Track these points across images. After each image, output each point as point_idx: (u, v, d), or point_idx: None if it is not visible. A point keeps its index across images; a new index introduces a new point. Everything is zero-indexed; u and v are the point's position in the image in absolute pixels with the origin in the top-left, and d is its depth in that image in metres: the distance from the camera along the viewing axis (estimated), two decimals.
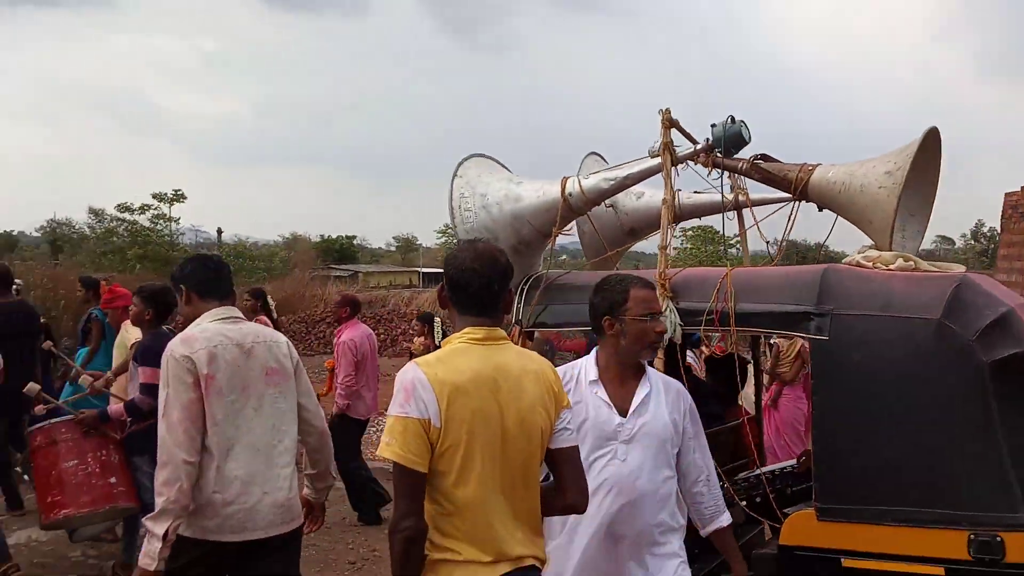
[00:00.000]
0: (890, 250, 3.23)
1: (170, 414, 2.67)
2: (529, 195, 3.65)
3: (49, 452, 4.24)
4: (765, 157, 3.61)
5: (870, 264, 3.19)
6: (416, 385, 2.05)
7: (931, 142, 3.37)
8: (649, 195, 3.95)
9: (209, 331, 2.82)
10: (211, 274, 3.01)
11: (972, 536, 2.73)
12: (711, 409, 3.89)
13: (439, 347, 4.43)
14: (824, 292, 3.06)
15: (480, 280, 2.19)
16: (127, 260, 23.84)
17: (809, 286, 3.10)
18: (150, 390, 3.75)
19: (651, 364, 3.06)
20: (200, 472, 2.68)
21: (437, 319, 7.67)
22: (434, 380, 2.05)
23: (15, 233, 42.70)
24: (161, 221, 28.02)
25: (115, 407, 4.32)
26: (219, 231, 30.48)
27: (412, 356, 8.13)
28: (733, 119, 3.39)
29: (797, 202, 3.58)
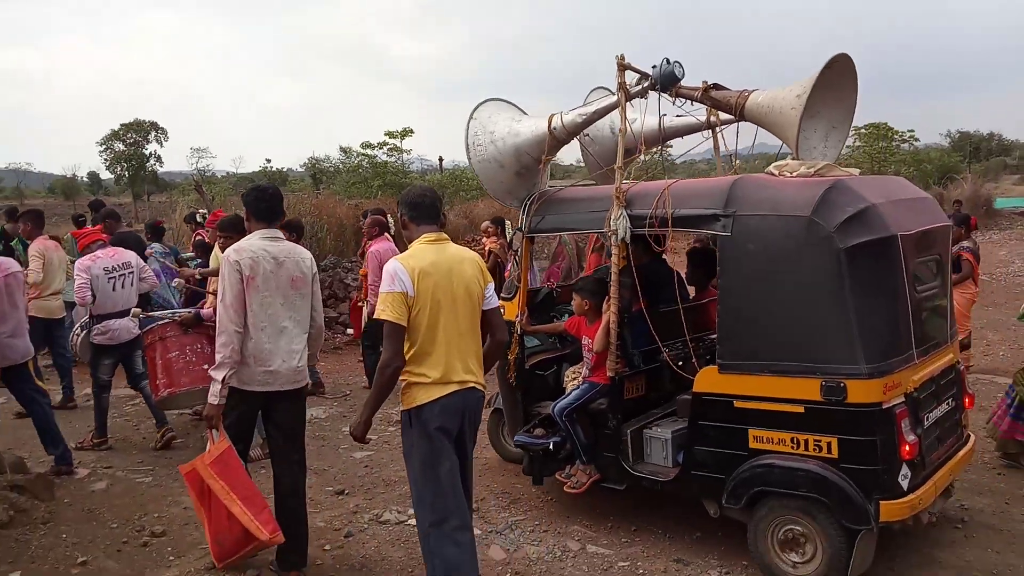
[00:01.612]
0: (798, 159, 3.93)
1: (225, 298, 3.72)
2: (526, 130, 4.63)
3: (158, 346, 5.44)
4: (716, 86, 4.34)
5: (777, 173, 3.93)
6: (397, 271, 3.25)
7: (843, 66, 3.97)
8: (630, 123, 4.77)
9: (255, 245, 3.81)
10: (264, 203, 3.94)
11: (823, 382, 3.55)
12: (682, 292, 4.81)
13: (510, 244, 5.46)
14: (731, 198, 3.86)
15: (428, 201, 3.42)
16: (370, 188, 27.23)
17: (721, 193, 3.91)
18: None
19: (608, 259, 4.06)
20: (242, 342, 3.73)
21: (507, 221, 8.67)
22: (408, 267, 3.24)
23: (285, 170, 49.81)
24: (395, 153, 32.09)
25: (207, 310, 5.55)
26: (440, 160, 33.73)
27: (491, 254, 9.20)
28: (668, 60, 4.15)
29: (737, 121, 4.31)
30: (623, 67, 4.23)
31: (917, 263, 3.79)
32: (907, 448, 3.55)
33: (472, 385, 3.36)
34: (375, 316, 3.37)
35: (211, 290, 6.15)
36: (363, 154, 31.91)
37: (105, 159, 52.52)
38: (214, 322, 4.45)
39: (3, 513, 4.48)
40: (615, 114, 4.47)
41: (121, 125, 52.23)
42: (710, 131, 4.80)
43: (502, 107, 4.86)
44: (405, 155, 32.65)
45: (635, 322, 4.53)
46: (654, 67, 4.21)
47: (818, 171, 3.86)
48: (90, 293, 5.80)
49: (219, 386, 3.71)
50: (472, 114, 4.80)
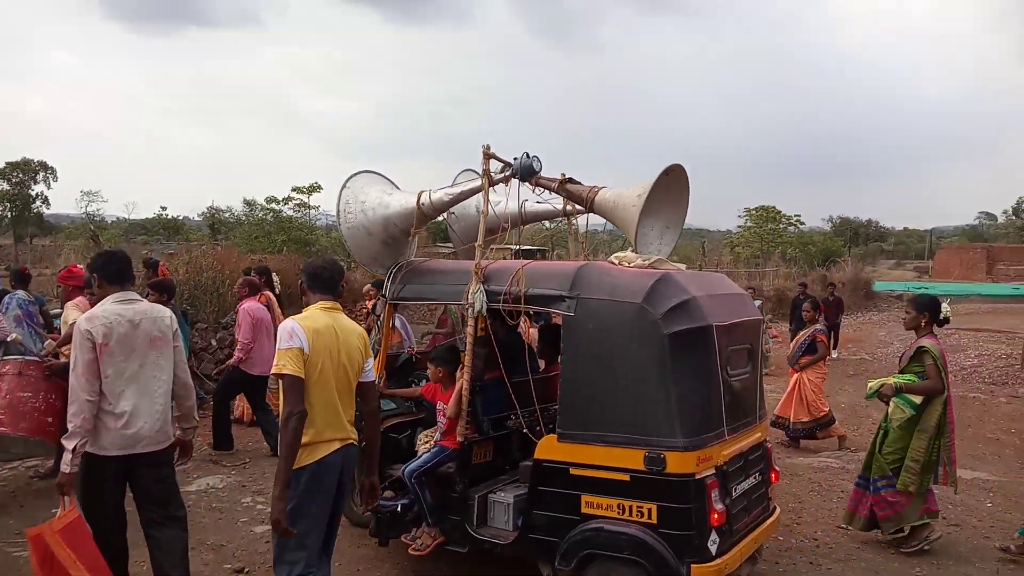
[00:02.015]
0: (636, 252, 4.43)
1: (77, 368, 3.73)
2: (395, 203, 4.92)
3: (11, 379, 5.12)
4: (571, 180, 4.82)
5: (617, 262, 4.40)
6: (295, 329, 3.49)
7: (678, 175, 4.55)
8: (492, 205, 5.17)
9: (109, 311, 3.84)
10: (115, 265, 3.99)
11: (646, 453, 3.95)
12: (532, 364, 5.16)
13: (373, 309, 5.69)
14: (576, 282, 4.28)
15: (327, 274, 3.75)
16: (274, 243, 26.86)
17: (567, 277, 4.32)
18: None
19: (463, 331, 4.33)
20: (100, 408, 3.74)
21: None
22: (304, 327, 3.51)
23: (181, 218, 47.30)
24: (302, 209, 32.01)
25: (58, 362, 5.31)
26: None
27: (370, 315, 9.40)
28: (528, 155, 4.61)
29: (588, 212, 4.80)
30: (488, 156, 4.64)
31: (730, 350, 4.32)
32: (716, 516, 3.98)
33: (350, 442, 3.65)
34: (273, 371, 3.51)
35: (65, 353, 5.96)
36: (268, 208, 31.75)
37: None
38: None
39: None
40: (481, 195, 4.85)
41: (7, 163, 49.27)
42: (565, 218, 5.27)
43: (375, 179, 5.14)
44: (312, 211, 32.85)
45: (487, 390, 4.81)
46: (515, 159, 4.64)
47: (651, 264, 4.36)
48: None
49: (70, 455, 3.67)
50: (345, 183, 5.04)
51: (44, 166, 50.06)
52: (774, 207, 39.60)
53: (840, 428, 8.86)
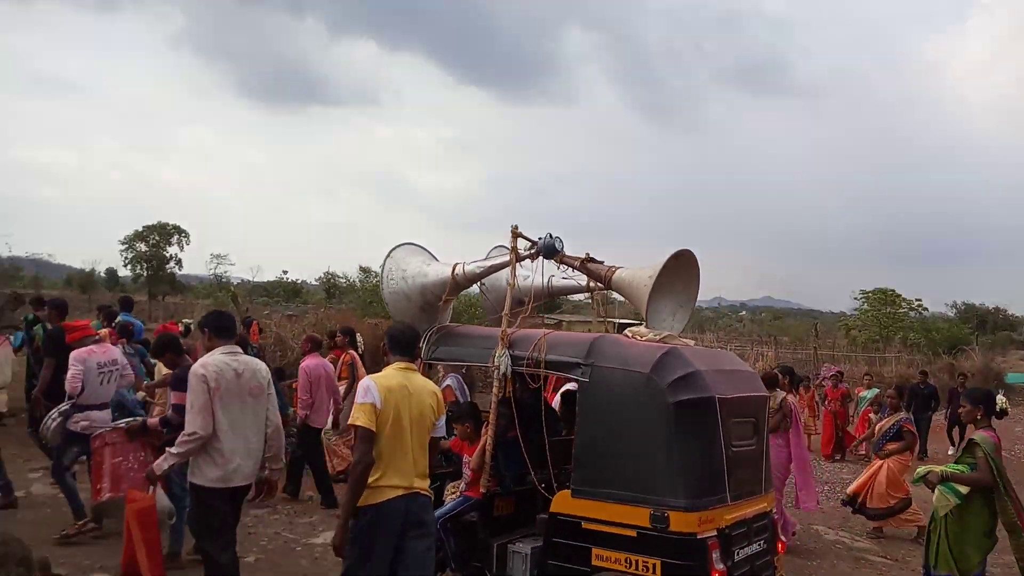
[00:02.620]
0: (647, 327, 4.86)
1: (194, 407, 4.39)
2: (432, 273, 5.45)
3: (105, 451, 5.66)
4: (591, 259, 5.31)
5: (631, 335, 4.83)
6: (370, 387, 4.00)
7: (689, 258, 5.00)
8: (521, 279, 5.64)
9: (218, 360, 4.51)
10: (223, 323, 4.75)
11: (652, 511, 4.30)
12: (555, 425, 5.56)
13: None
14: (591, 351, 4.71)
15: (404, 338, 4.28)
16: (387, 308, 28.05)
17: (584, 346, 4.76)
18: (179, 409, 4.96)
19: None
20: (209, 444, 4.40)
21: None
22: (378, 384, 4.01)
23: (299, 281, 50.46)
24: None
25: (153, 420, 5.91)
26: None
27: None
28: (551, 235, 5.12)
29: (606, 289, 5.27)
30: (516, 235, 5.16)
31: (734, 422, 4.67)
32: (716, 575, 4.28)
33: (416, 490, 4.05)
34: (349, 422, 4.03)
35: (158, 401, 6.63)
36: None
37: (125, 257, 52.95)
38: (159, 431, 5.18)
39: None
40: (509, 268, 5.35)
41: (145, 226, 52.91)
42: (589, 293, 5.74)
43: (416, 251, 5.69)
44: None
45: (509, 447, 5.22)
46: (539, 239, 5.15)
47: (663, 338, 4.78)
48: (81, 384, 6.08)
49: (170, 461, 4.46)
50: (390, 253, 5.59)
51: (178, 229, 53.55)
52: (892, 290, 37.34)
53: (921, 517, 8.48)
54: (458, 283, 5.36)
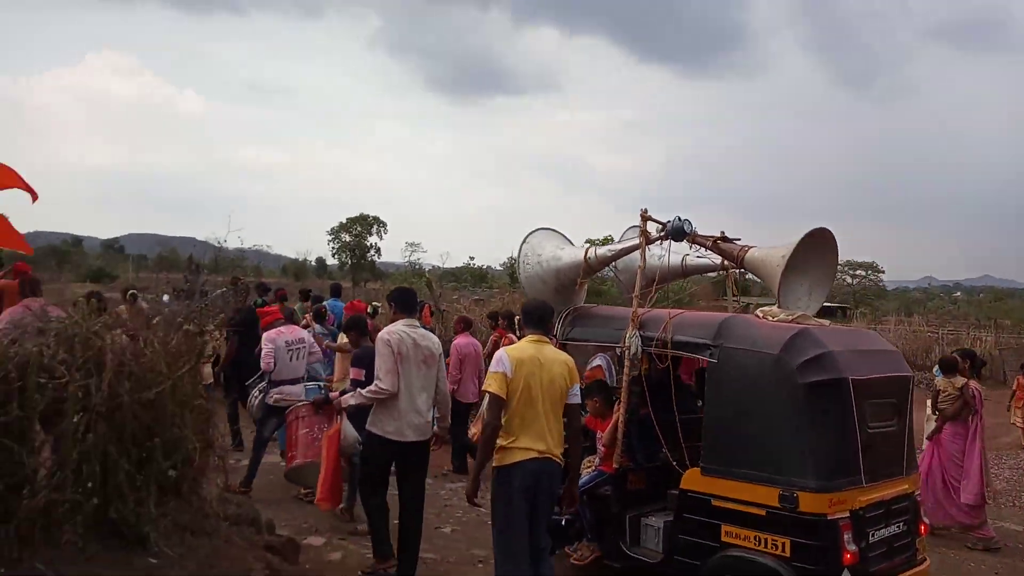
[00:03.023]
0: (780, 306, 4.84)
1: (382, 369, 4.96)
2: (566, 257, 5.68)
3: (296, 423, 6.30)
4: (724, 239, 5.32)
5: (762, 316, 4.83)
6: (502, 357, 4.39)
7: (824, 237, 4.90)
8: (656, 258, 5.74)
9: (400, 330, 5.08)
10: (406, 298, 5.38)
11: (781, 491, 4.34)
12: (690, 405, 5.66)
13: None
14: (719, 332, 4.77)
15: (537, 314, 4.62)
16: None
17: (712, 327, 4.82)
18: (357, 384, 5.59)
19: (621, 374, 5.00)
20: (388, 401, 4.98)
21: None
22: (510, 355, 4.37)
23: (485, 267, 53.91)
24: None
25: (334, 395, 6.46)
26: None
27: None
28: (679, 218, 5.17)
29: (739, 269, 5.27)
30: (645, 219, 5.28)
31: (871, 403, 4.57)
32: (848, 556, 4.26)
33: (548, 456, 4.37)
34: (483, 388, 4.49)
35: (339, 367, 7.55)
36: None
37: (332, 247, 58.76)
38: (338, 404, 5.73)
39: (260, 573, 4.47)
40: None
41: (348, 218, 58.37)
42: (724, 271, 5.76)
43: (551, 235, 5.94)
44: None
45: (641, 424, 5.40)
46: (668, 221, 5.23)
47: (795, 319, 4.74)
48: (273, 361, 6.94)
49: (355, 400, 5.18)
50: (526, 238, 5.89)
51: (377, 220, 58.75)
52: None
53: None
54: (591, 266, 5.57)
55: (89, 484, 3.33)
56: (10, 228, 5.19)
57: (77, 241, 62.50)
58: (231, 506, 4.53)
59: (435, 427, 5.36)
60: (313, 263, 61.19)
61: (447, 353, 9.38)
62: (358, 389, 5.21)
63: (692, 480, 4.76)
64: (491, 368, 4.38)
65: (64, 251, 49.35)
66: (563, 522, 5.47)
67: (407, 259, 57.91)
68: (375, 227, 58.34)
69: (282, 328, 7.18)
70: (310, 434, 6.35)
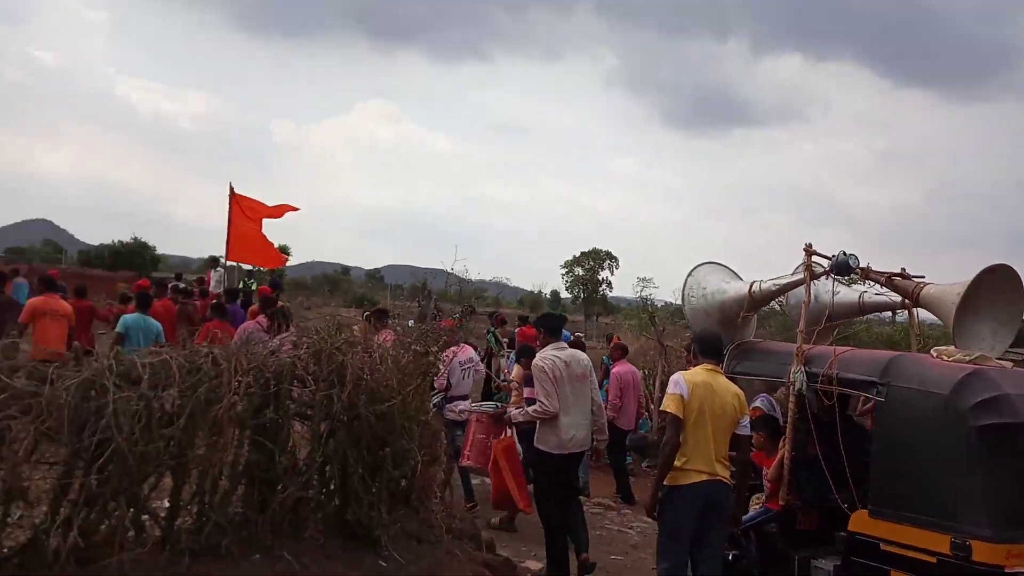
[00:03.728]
0: (956, 346, 4.60)
1: (542, 391, 5.57)
2: (732, 290, 5.77)
3: (475, 425, 7.14)
4: (899, 274, 5.15)
5: (936, 355, 4.63)
6: (679, 381, 4.72)
7: (1008, 272, 4.60)
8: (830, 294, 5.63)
9: (551, 355, 5.71)
10: (554, 324, 6.03)
11: (952, 539, 4.13)
12: (860, 444, 5.47)
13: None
14: (887, 370, 4.63)
15: (712, 343, 4.95)
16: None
17: (880, 365, 4.69)
18: (531, 402, 6.10)
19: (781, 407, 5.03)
20: (550, 420, 5.57)
21: None
22: (686, 380, 4.70)
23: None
24: None
25: (512, 410, 7.01)
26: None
27: None
28: (844, 253, 5.06)
29: (915, 307, 5.07)
30: (809, 253, 5.25)
31: None
32: None
33: (718, 478, 4.64)
34: (661, 408, 4.88)
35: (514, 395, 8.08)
36: None
37: (566, 281, 61.56)
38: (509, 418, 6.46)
39: None
40: (817, 284, 5.45)
41: (581, 252, 60.86)
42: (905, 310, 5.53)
43: (717, 269, 6.06)
44: None
45: (810, 463, 5.30)
46: (833, 256, 5.16)
47: (973, 360, 4.49)
48: (446, 379, 7.61)
49: (522, 417, 5.81)
50: (691, 272, 6.05)
51: (609, 255, 60.43)
52: None
53: None
54: (755, 300, 5.62)
55: (331, 486, 3.70)
56: (268, 246, 6.63)
57: (346, 270, 67.33)
58: (454, 520, 4.69)
59: (593, 441, 5.84)
60: (548, 295, 62.76)
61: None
62: (525, 407, 5.80)
63: (860, 522, 4.64)
64: (669, 390, 4.69)
65: (335, 279, 54.31)
66: (730, 557, 5.51)
67: (638, 294, 58.46)
68: (607, 261, 59.36)
69: (455, 348, 7.86)
70: (484, 440, 7.06)
